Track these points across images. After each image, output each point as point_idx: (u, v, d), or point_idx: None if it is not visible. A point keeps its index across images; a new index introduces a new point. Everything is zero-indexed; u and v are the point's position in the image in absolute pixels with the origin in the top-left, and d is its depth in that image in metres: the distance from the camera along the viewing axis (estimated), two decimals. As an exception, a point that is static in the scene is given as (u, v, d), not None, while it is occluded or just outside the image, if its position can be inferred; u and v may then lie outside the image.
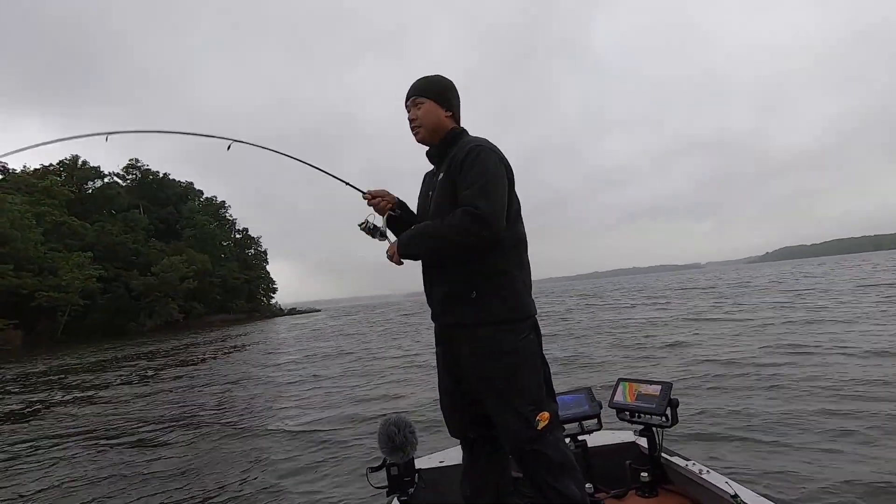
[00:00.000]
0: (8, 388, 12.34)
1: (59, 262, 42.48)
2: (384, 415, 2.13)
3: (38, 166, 57.04)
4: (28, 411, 8.65)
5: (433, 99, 1.79)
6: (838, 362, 6.33)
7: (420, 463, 2.29)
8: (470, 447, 1.84)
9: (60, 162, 60.58)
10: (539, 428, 1.60)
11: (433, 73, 1.86)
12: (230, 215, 77.86)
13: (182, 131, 2.23)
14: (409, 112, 1.83)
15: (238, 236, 78.50)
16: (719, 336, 9.59)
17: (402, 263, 1.75)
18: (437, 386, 1.87)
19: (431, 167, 1.93)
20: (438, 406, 1.86)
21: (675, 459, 2.15)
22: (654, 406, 2.09)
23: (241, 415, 6.96)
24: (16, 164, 54.26)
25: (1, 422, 7.82)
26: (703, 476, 1.97)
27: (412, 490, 2.00)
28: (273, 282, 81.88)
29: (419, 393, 7.12)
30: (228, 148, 2.06)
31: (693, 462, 2.10)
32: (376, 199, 1.88)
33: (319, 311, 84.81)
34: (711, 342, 8.97)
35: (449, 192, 1.68)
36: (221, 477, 4.37)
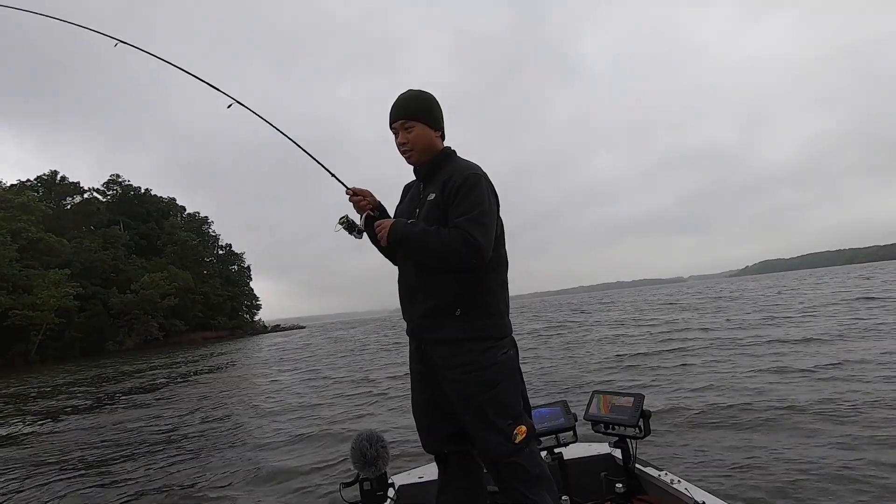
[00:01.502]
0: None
1: (35, 279, 41.40)
2: (357, 431, 2.15)
3: (14, 181, 56.05)
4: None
5: (424, 121, 1.77)
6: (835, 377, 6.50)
7: (399, 479, 2.32)
8: (445, 462, 1.85)
9: (38, 177, 59.56)
10: (517, 442, 1.63)
11: (415, 90, 1.82)
12: (213, 231, 76.99)
13: (194, 74, 2.20)
14: (396, 135, 1.80)
15: (221, 252, 77.50)
16: (699, 352, 9.76)
17: (385, 244, 1.74)
18: (411, 402, 1.88)
19: (410, 182, 1.94)
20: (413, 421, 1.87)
21: (648, 470, 2.20)
22: (627, 417, 2.12)
23: (209, 437, 6.83)
24: (-7, 180, 53.10)
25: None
26: (674, 486, 2.03)
27: None
28: (257, 298, 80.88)
29: (395, 409, 7.10)
30: (229, 107, 2.08)
31: (665, 472, 2.15)
32: (358, 197, 1.88)
33: (304, 327, 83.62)
34: (692, 358, 9.12)
35: (440, 215, 1.69)
36: (192, 488, 4.30)
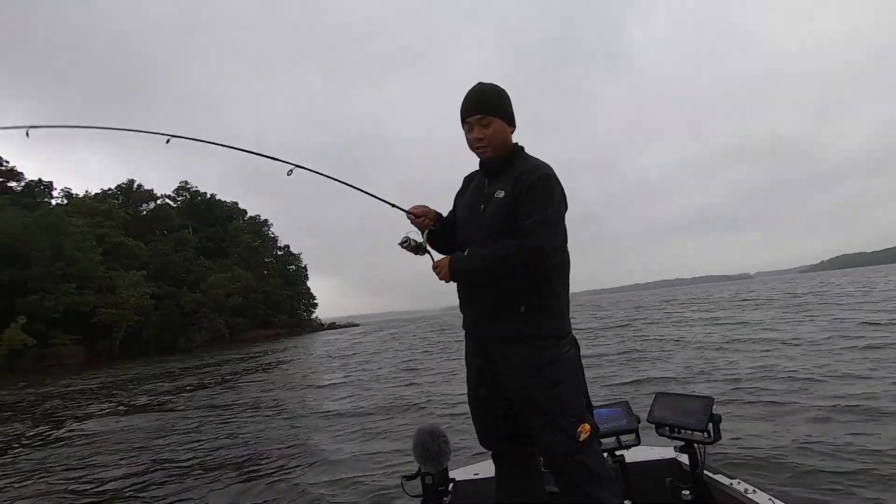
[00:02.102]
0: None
1: (117, 280, 44.99)
2: (418, 425, 2.18)
3: (98, 191, 61.10)
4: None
5: (501, 117, 1.73)
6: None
7: (456, 474, 2.28)
8: (502, 460, 1.85)
9: (118, 186, 64.55)
10: (581, 440, 1.61)
11: (488, 84, 1.77)
12: (272, 233, 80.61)
13: (250, 150, 2.19)
14: (471, 129, 1.74)
15: (280, 253, 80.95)
16: (770, 351, 9.21)
17: (447, 282, 1.75)
18: (467, 399, 1.88)
19: (470, 173, 1.92)
20: (471, 418, 1.87)
21: (718, 477, 2.08)
22: (694, 421, 2.02)
23: (274, 428, 7.19)
24: (79, 189, 58.22)
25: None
26: (748, 496, 1.90)
27: (447, 500, 2.01)
28: (313, 297, 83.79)
29: (449, 404, 7.17)
30: (289, 173, 2.02)
31: (738, 481, 2.02)
32: (421, 219, 1.88)
33: (358, 325, 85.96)
34: (763, 357, 8.63)
35: (509, 213, 1.67)
36: (257, 486, 4.55)
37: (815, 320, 13.59)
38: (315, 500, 4.10)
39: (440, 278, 1.75)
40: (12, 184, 52.76)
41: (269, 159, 2.08)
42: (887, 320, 11.65)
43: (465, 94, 1.77)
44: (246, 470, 5.16)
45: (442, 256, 1.80)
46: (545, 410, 1.63)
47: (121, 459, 6.09)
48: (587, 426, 1.63)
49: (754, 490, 1.93)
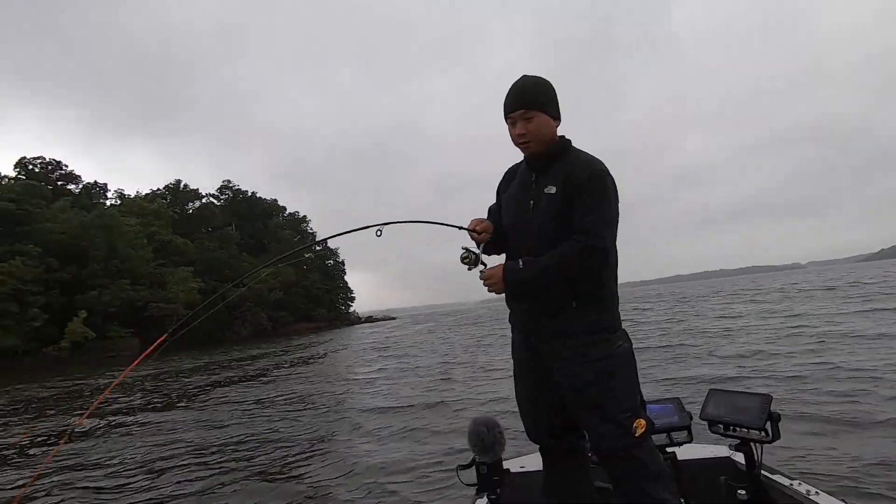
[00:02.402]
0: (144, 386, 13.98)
1: (167, 276, 47.28)
2: (471, 416, 2.17)
3: (147, 191, 64.18)
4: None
5: (545, 111, 1.68)
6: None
7: (509, 465, 2.27)
8: (550, 454, 1.85)
9: (166, 186, 67.59)
10: (636, 435, 1.59)
11: (533, 76, 1.73)
12: (311, 228, 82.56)
13: (345, 231, 2.08)
14: (513, 124, 1.70)
15: (318, 248, 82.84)
16: (836, 349, 8.76)
17: (500, 294, 1.71)
18: (514, 392, 1.88)
19: (512, 166, 1.89)
20: (518, 411, 1.86)
21: (776, 478, 2.00)
22: (752, 419, 1.95)
23: (327, 412, 7.42)
24: (131, 190, 61.41)
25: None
26: (811, 498, 1.81)
27: (500, 490, 2.01)
28: (351, 291, 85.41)
29: (500, 397, 7.20)
30: (378, 234, 1.90)
31: (799, 482, 1.93)
32: (483, 235, 1.79)
33: (395, 318, 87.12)
34: (818, 351, 8.23)
35: (562, 210, 1.64)
36: (314, 474, 4.70)
37: (876, 312, 12.82)
38: (370, 486, 4.22)
39: (491, 290, 1.69)
40: (71, 186, 56.24)
41: (360, 229, 1.95)
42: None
43: (508, 89, 1.72)
44: (301, 455, 5.38)
45: (493, 265, 1.74)
46: (600, 404, 1.61)
47: (166, 451, 6.39)
48: (643, 421, 1.61)
49: (817, 492, 1.83)
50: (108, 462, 5.84)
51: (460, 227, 1.89)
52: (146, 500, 4.49)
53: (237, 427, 7.26)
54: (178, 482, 4.85)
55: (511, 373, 1.92)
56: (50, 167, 54.86)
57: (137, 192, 62.65)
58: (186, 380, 15.18)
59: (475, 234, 1.82)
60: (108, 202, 57.89)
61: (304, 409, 8.31)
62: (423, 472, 4.37)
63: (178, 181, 68.25)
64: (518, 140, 1.72)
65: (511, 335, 1.89)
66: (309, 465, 5.07)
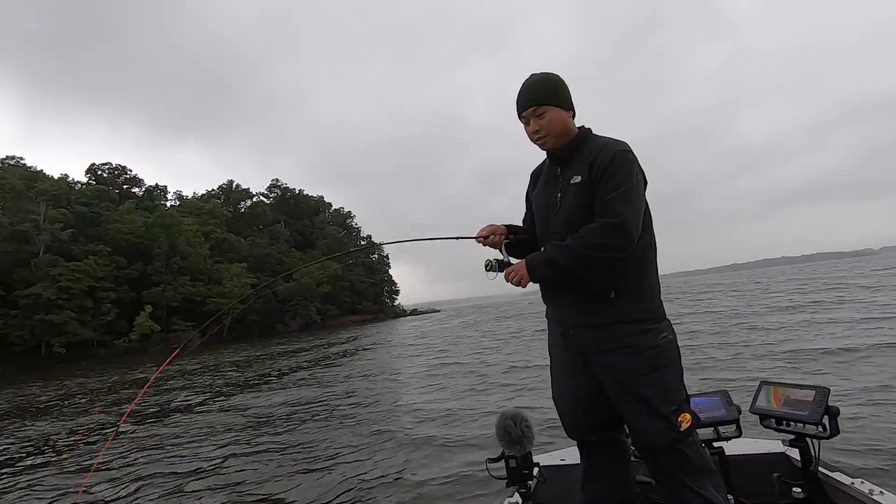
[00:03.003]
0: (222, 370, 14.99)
1: (222, 272, 49.87)
2: (500, 409, 2.23)
3: (203, 192, 67.73)
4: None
5: (555, 104, 1.68)
6: None
7: (541, 459, 2.25)
8: (589, 450, 1.81)
9: (220, 186, 71.01)
10: (682, 429, 1.54)
11: (539, 74, 1.72)
12: (355, 224, 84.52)
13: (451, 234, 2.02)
14: (527, 123, 1.71)
15: (363, 243, 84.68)
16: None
17: (526, 286, 1.68)
18: (550, 386, 1.85)
19: (536, 168, 1.88)
20: (553, 405, 1.85)
21: (836, 475, 1.88)
22: (807, 413, 1.84)
23: (367, 408, 7.74)
24: (188, 191, 65.06)
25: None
26: (874, 497, 1.70)
27: (531, 483, 2.01)
28: (395, 284, 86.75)
29: (534, 392, 7.28)
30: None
31: (861, 481, 1.81)
32: (490, 238, 1.80)
33: (439, 311, 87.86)
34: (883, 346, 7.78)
35: (588, 197, 1.61)
36: (349, 466, 4.94)
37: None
38: (399, 478, 4.39)
39: (517, 284, 1.65)
40: (135, 189, 60.18)
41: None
42: None
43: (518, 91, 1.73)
44: (334, 448, 5.64)
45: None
46: (645, 397, 1.57)
47: (217, 442, 6.84)
48: (688, 415, 1.57)
49: (882, 492, 1.72)
50: (157, 457, 6.19)
51: (459, 237, 1.93)
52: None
53: (276, 426, 7.69)
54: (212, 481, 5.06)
55: (546, 368, 1.92)
56: (116, 172, 58.89)
57: (194, 192, 66.61)
58: (229, 373, 16.04)
59: (482, 240, 1.83)
60: (168, 203, 61.69)
61: (346, 401, 8.66)
62: (458, 463, 4.53)
63: (231, 181, 71.65)
64: (534, 137, 1.72)
65: (547, 330, 1.87)
66: (340, 465, 5.08)
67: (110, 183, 55.61)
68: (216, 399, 10.39)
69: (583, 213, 1.61)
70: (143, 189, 61.35)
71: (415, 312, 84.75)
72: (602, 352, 1.62)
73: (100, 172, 57.29)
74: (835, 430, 1.81)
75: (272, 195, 76.52)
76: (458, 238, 1.93)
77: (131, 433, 7.51)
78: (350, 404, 8.16)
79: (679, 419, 1.55)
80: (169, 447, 6.40)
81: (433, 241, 2.05)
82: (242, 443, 6.26)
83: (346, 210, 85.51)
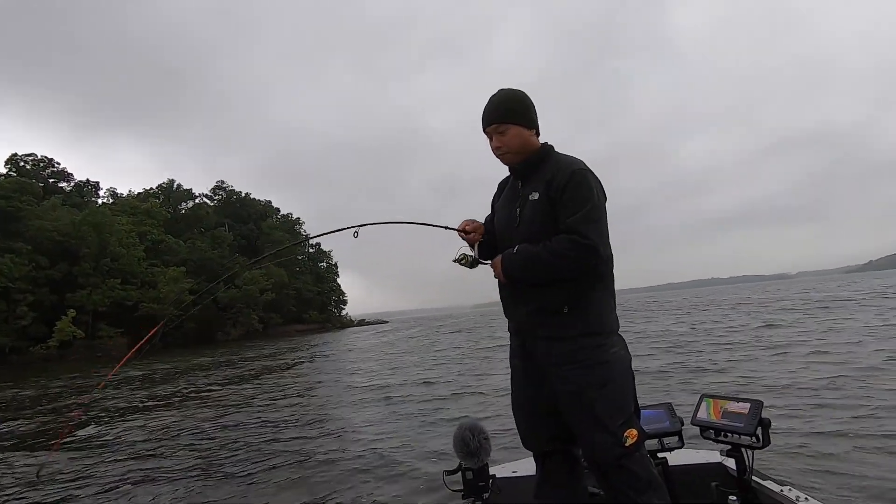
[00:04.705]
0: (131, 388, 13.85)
1: (158, 276, 46.93)
2: (458, 420, 2.18)
3: (140, 190, 63.82)
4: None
5: (517, 122, 1.73)
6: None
7: (496, 470, 2.28)
8: (544, 460, 1.83)
9: (159, 186, 67.22)
10: (627, 445, 1.59)
11: (506, 90, 1.78)
12: (304, 230, 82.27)
13: (319, 234, 2.25)
14: (490, 138, 1.78)
15: (311, 250, 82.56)
16: (814, 353, 8.88)
17: (504, 280, 1.76)
18: (509, 397, 1.88)
19: (505, 177, 1.92)
20: (510, 416, 1.87)
21: (767, 483, 2.01)
22: (742, 425, 1.94)
23: (309, 422, 7.36)
24: (123, 188, 61.12)
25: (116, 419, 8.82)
26: (800, 503, 1.84)
27: (487, 495, 2.01)
28: (343, 294, 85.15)
29: (492, 401, 7.21)
30: (356, 235, 2.01)
31: (789, 488, 1.95)
32: (472, 235, 1.86)
33: (387, 322, 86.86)
34: (805, 359, 8.34)
35: (546, 214, 1.67)
36: (295, 477, 4.68)
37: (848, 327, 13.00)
38: (357, 494, 4.19)
39: (496, 277, 1.77)
40: (63, 184, 55.74)
41: (336, 231, 2.05)
42: None
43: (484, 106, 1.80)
44: (283, 466, 5.27)
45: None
46: (594, 412, 1.60)
47: (135, 458, 6.18)
48: (634, 431, 1.61)
49: (807, 498, 1.86)
50: (89, 475, 5.51)
51: (447, 227, 1.93)
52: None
53: (210, 434, 7.11)
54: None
55: (505, 380, 1.92)
56: (42, 164, 54.38)
57: (130, 190, 62.59)
58: (150, 388, 15.06)
59: (464, 235, 1.87)
60: (100, 200, 57.59)
61: (281, 416, 8.25)
62: (414, 477, 4.38)
63: (172, 181, 68.08)
64: (496, 153, 1.79)
65: (509, 342, 1.90)
66: (287, 473, 4.90)
67: (34, 176, 51.17)
68: (123, 419, 8.84)
69: (540, 229, 1.66)
70: (72, 184, 56.97)
71: (362, 323, 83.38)
72: (557, 364, 1.65)
73: (22, 164, 52.69)
74: (766, 441, 1.91)
75: (216, 197, 73.39)
76: (439, 227, 1.96)
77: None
78: (286, 425, 7.32)
79: (625, 434, 1.58)
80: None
81: (413, 225, 2.04)
82: (146, 471, 5.53)
83: (294, 216, 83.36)
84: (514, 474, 2.34)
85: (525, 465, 2.29)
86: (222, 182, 74.70)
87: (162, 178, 72.63)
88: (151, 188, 66.06)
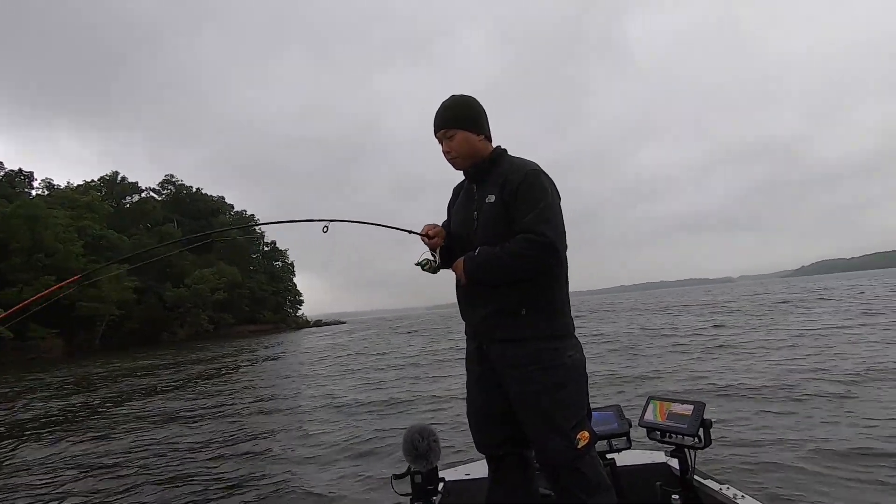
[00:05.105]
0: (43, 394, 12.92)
1: (98, 273, 44.20)
2: (409, 424, 2.14)
3: (80, 182, 59.97)
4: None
5: (464, 128, 1.77)
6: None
7: (446, 474, 2.28)
8: (497, 463, 1.83)
9: (101, 178, 63.44)
10: (579, 447, 1.61)
11: (456, 96, 1.83)
12: (260, 228, 79.78)
13: (284, 220, 2.17)
14: (441, 143, 1.82)
15: (266, 249, 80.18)
16: (757, 355, 9.39)
17: (465, 282, 1.75)
18: (464, 400, 1.88)
19: (460, 182, 1.94)
20: (463, 419, 1.86)
21: (708, 482, 2.10)
22: (685, 426, 2.02)
23: (256, 427, 7.11)
24: (60, 179, 57.20)
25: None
26: (737, 501, 1.93)
27: (436, 499, 2.01)
28: (300, 294, 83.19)
29: (444, 404, 7.18)
30: (325, 230, 1.93)
31: (728, 486, 2.05)
32: (434, 240, 1.85)
33: (344, 322, 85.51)
34: (748, 361, 8.80)
35: (502, 216, 1.69)
36: (241, 480, 4.51)
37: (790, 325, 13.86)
38: (301, 501, 4.07)
39: (458, 279, 1.78)
40: (-9, 173, 51.61)
41: (306, 221, 1.95)
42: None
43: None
44: (224, 473, 5.03)
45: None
46: (547, 415, 1.62)
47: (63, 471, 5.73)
48: (586, 433, 1.64)
49: (743, 496, 1.95)
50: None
51: (411, 231, 1.91)
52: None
53: (143, 442, 6.68)
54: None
55: (458, 382, 1.91)
56: (-33, 151, 50.10)
57: (69, 182, 58.53)
58: (80, 393, 14.19)
59: (426, 239, 1.85)
60: (33, 192, 53.62)
61: (228, 420, 7.94)
62: (361, 483, 4.27)
63: (116, 173, 64.43)
64: (446, 157, 1.82)
65: (466, 345, 1.90)
66: (233, 479, 4.73)
67: (-42, 163, 47.17)
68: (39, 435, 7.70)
69: (496, 231, 1.68)
70: (2, 173, 52.85)
71: (318, 324, 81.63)
72: (513, 367, 1.66)
73: (-56, 150, 48.39)
74: (708, 441, 1.98)
75: (165, 191, 70.02)
76: (403, 230, 1.94)
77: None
78: (222, 443, 6.32)
79: (578, 437, 1.61)
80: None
81: (376, 226, 2.00)
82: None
83: (248, 213, 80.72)
84: (467, 477, 2.34)
85: (478, 468, 2.30)
86: (171, 176, 71.44)
87: (105, 171, 68.33)
88: (93, 180, 62.22)
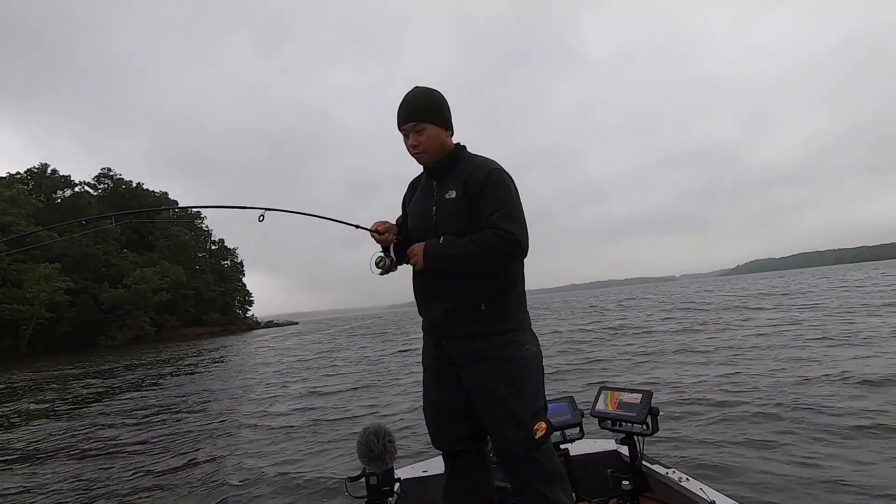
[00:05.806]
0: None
1: (25, 273, 40.97)
2: (363, 424, 2.09)
3: (3, 174, 55.34)
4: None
5: (436, 123, 1.73)
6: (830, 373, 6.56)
7: (402, 472, 2.28)
8: (454, 458, 1.84)
9: (28, 170, 58.86)
10: (537, 437, 1.64)
11: (423, 88, 1.77)
12: (206, 226, 76.50)
13: (219, 206, 2.12)
14: (406, 136, 1.75)
15: (214, 247, 77.02)
16: (705, 347, 9.82)
17: (422, 268, 1.70)
18: (419, 397, 1.87)
19: (415, 178, 1.91)
20: (418, 415, 1.84)
21: (655, 467, 2.20)
22: (634, 414, 2.10)
23: (203, 432, 6.79)
24: (-20, 171, 52.57)
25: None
26: (682, 484, 2.03)
27: (392, 500, 2.00)
28: (249, 294, 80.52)
29: (397, 403, 7.04)
30: (261, 219, 1.93)
31: (673, 470, 2.16)
32: (386, 236, 1.82)
33: (297, 323, 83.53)
34: (697, 353, 9.18)
35: (464, 213, 1.68)
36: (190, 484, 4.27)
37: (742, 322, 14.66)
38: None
39: (413, 264, 1.73)
40: None
41: (241, 208, 1.95)
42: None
43: (399, 102, 1.77)
44: (170, 480, 4.78)
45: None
46: (507, 407, 1.64)
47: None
48: (543, 424, 1.66)
49: (688, 479, 2.06)
50: None
51: (358, 226, 1.87)
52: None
53: (71, 458, 6.39)
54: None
55: (413, 380, 1.87)
56: None
57: (-10, 174, 53.82)
58: (25, 395, 13.18)
59: (377, 235, 1.83)
60: (-51, 184, 49.03)
61: (172, 427, 7.53)
62: (314, 488, 4.12)
63: (45, 165, 59.96)
64: (412, 151, 1.77)
65: (423, 341, 1.87)
66: (185, 476, 4.58)
67: None
68: None
69: (457, 227, 1.68)
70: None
71: (270, 325, 79.49)
72: (472, 362, 1.67)
73: None
74: (655, 428, 2.07)
75: (101, 186, 65.79)
76: (350, 225, 1.92)
77: None
78: (184, 427, 6.92)
79: (535, 428, 1.64)
80: None
81: (324, 220, 1.97)
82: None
83: (195, 210, 77.09)
84: (424, 474, 2.34)
85: (434, 465, 2.31)
86: (109, 169, 67.13)
87: (32, 162, 63.37)
88: (18, 173, 57.59)
